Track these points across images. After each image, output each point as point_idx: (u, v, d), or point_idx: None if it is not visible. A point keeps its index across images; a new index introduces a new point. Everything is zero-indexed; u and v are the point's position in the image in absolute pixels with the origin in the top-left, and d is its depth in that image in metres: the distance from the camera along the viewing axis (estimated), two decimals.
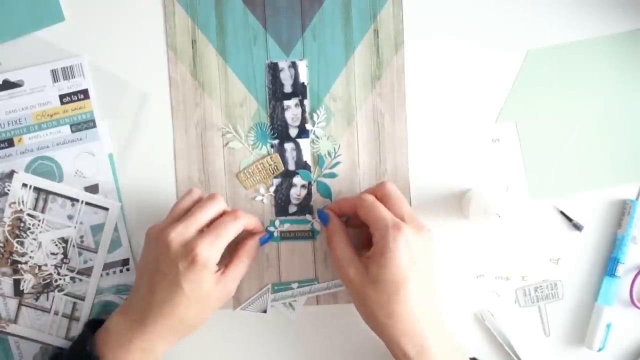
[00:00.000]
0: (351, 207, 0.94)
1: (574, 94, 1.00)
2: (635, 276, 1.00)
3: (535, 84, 0.99)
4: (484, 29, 0.99)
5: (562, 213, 1.00)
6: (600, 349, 0.99)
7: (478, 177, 1.00)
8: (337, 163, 1.00)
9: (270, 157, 0.99)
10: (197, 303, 0.87)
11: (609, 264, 1.00)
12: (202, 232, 0.89)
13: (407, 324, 0.87)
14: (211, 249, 0.87)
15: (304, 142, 0.99)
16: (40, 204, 0.98)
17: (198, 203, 0.91)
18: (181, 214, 0.90)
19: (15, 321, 0.99)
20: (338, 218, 0.95)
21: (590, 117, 1.00)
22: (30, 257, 0.98)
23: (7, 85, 0.97)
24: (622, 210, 1.00)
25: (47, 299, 0.99)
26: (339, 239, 0.93)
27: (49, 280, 0.98)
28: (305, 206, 1.00)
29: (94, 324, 0.92)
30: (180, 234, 0.87)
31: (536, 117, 1.00)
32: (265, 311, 1.01)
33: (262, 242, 0.97)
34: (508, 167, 1.00)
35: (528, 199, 1.00)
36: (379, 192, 0.93)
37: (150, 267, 0.88)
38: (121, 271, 0.99)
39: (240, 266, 0.93)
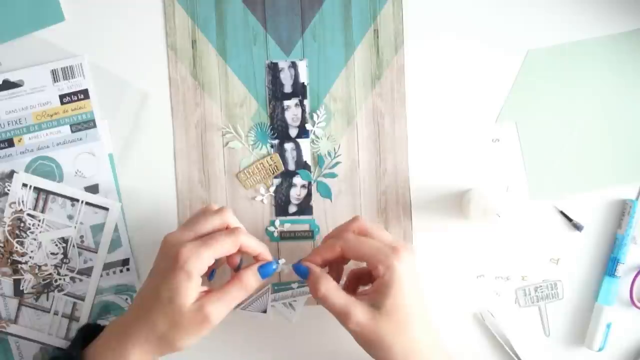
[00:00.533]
0: (333, 251, 0.88)
1: (574, 94, 1.00)
2: (635, 276, 1.00)
3: (535, 84, 0.99)
4: (484, 29, 0.99)
5: (562, 213, 1.00)
6: (600, 349, 0.99)
7: (478, 177, 1.00)
8: (337, 163, 1.00)
9: (270, 157, 0.99)
10: (171, 314, 0.82)
11: (609, 264, 1.00)
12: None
13: (427, 349, 0.85)
14: (195, 254, 0.82)
15: (304, 142, 0.99)
16: (40, 204, 0.98)
17: (204, 213, 0.88)
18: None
19: (15, 321, 0.99)
20: (317, 266, 0.88)
21: (590, 117, 1.00)
22: (30, 257, 0.98)
23: (7, 85, 0.97)
24: (622, 210, 1.00)
25: (47, 299, 0.99)
26: (326, 286, 0.85)
27: (49, 280, 0.98)
28: (305, 206, 1.00)
29: (88, 330, 0.91)
30: (175, 236, 0.85)
31: (536, 117, 1.00)
32: (265, 311, 1.01)
33: (263, 274, 0.88)
34: (508, 167, 1.00)
35: (528, 199, 1.00)
36: (355, 228, 0.89)
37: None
38: (121, 271, 0.99)
39: (228, 293, 0.85)
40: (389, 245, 0.85)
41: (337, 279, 0.92)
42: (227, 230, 0.86)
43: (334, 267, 0.92)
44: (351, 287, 0.93)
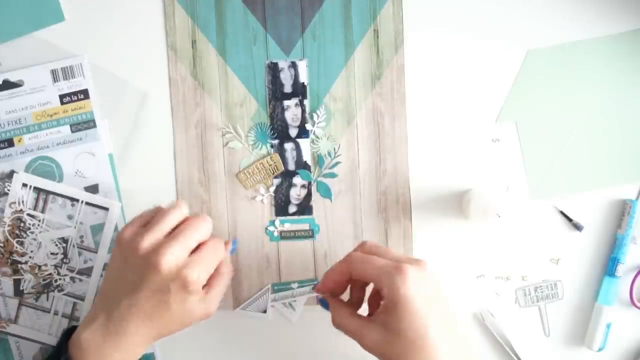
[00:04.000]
0: (341, 274, 0.89)
1: (574, 94, 1.00)
2: (635, 276, 1.00)
3: (535, 84, 0.99)
4: (484, 28, 0.99)
5: (562, 213, 1.00)
6: (600, 349, 0.99)
7: (478, 177, 1.00)
8: (337, 163, 1.00)
9: (270, 157, 0.99)
10: (181, 319, 0.86)
11: (609, 264, 1.00)
12: (191, 253, 0.87)
13: None
14: (203, 275, 0.86)
15: (303, 142, 0.99)
16: (40, 204, 0.98)
17: (189, 221, 0.89)
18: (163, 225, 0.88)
19: (15, 321, 0.99)
20: (334, 298, 0.91)
21: (590, 117, 1.00)
22: (30, 257, 0.98)
23: (7, 85, 0.97)
24: (622, 210, 1.00)
25: (47, 299, 0.99)
26: (344, 314, 0.88)
27: (49, 280, 0.99)
28: (305, 206, 1.00)
29: (71, 332, 0.90)
30: (174, 256, 0.85)
31: (536, 117, 1.00)
32: (265, 311, 1.01)
33: (230, 252, 0.95)
34: (508, 167, 1.00)
35: (528, 199, 1.00)
36: (364, 250, 0.90)
37: (131, 281, 0.86)
38: None
39: (221, 286, 0.90)
40: (393, 264, 0.84)
41: (359, 300, 0.92)
42: (217, 240, 0.90)
43: (356, 287, 0.92)
44: (375, 304, 0.92)
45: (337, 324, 0.88)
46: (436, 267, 1.00)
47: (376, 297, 0.92)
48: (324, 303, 0.91)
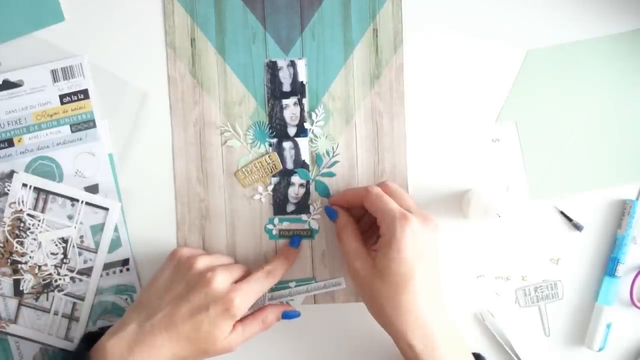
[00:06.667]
0: (356, 198, 0.94)
1: (574, 94, 0.99)
2: (636, 276, 0.99)
3: (535, 84, 0.99)
4: (483, 28, 0.99)
5: (562, 213, 1.00)
6: (600, 349, 0.99)
7: (478, 177, 1.00)
8: (336, 162, 1.00)
9: (269, 156, 0.99)
10: (205, 343, 0.89)
11: (609, 264, 1.00)
12: (236, 282, 0.92)
13: (414, 317, 0.86)
14: (247, 304, 0.90)
15: (302, 141, 0.99)
16: (40, 204, 0.98)
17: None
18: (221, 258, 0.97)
19: (15, 321, 0.99)
20: (346, 212, 0.96)
21: (590, 117, 0.99)
22: (30, 257, 0.98)
23: (7, 85, 0.97)
24: (622, 210, 1.00)
25: (47, 299, 0.99)
26: (348, 232, 0.93)
27: (49, 280, 0.99)
28: (303, 205, 1.00)
29: (90, 338, 0.92)
30: (225, 278, 0.90)
31: (536, 117, 0.99)
32: None
33: (285, 315, 0.98)
34: (508, 167, 1.00)
35: (528, 199, 1.00)
36: (382, 189, 0.92)
37: (177, 294, 0.89)
38: (121, 271, 0.99)
39: (254, 329, 0.94)
40: (401, 210, 0.88)
41: (367, 225, 0.98)
42: (266, 273, 0.95)
43: (369, 214, 0.94)
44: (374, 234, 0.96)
45: (340, 239, 0.93)
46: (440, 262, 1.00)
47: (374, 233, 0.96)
48: (330, 212, 0.97)
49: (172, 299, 0.89)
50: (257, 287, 0.92)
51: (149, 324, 0.87)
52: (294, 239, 0.99)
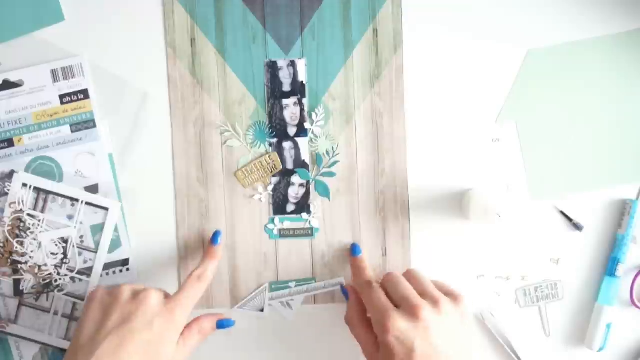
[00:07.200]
0: (353, 292, 0.96)
1: (574, 94, 1.00)
2: (636, 276, 0.99)
3: (535, 84, 0.99)
4: (483, 28, 0.99)
5: (562, 213, 1.00)
6: (600, 349, 0.99)
7: (478, 177, 1.00)
8: (336, 162, 0.99)
9: (269, 156, 0.99)
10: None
11: (609, 264, 0.99)
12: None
13: None
14: (187, 312, 0.90)
15: (302, 141, 0.99)
16: (40, 204, 0.98)
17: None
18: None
19: (15, 321, 0.99)
20: (357, 297, 0.95)
21: (590, 117, 0.99)
22: (30, 257, 0.98)
23: (7, 85, 0.97)
24: (622, 210, 1.00)
25: (47, 299, 0.99)
26: (357, 317, 0.94)
27: (49, 280, 0.99)
28: (303, 205, 1.00)
29: None
30: (158, 294, 0.89)
31: (536, 117, 0.99)
32: (262, 310, 1.01)
33: (220, 325, 0.96)
34: (508, 167, 1.00)
35: (528, 199, 1.00)
36: (386, 278, 0.92)
37: (118, 319, 0.86)
38: (121, 271, 1.00)
39: (193, 340, 0.93)
40: (385, 306, 0.87)
41: None
42: (197, 279, 0.93)
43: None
44: None
45: (347, 321, 0.95)
46: (436, 267, 1.00)
47: None
48: (344, 292, 0.98)
49: (111, 329, 0.85)
50: (192, 294, 0.91)
51: (100, 352, 0.83)
52: (215, 234, 0.98)
